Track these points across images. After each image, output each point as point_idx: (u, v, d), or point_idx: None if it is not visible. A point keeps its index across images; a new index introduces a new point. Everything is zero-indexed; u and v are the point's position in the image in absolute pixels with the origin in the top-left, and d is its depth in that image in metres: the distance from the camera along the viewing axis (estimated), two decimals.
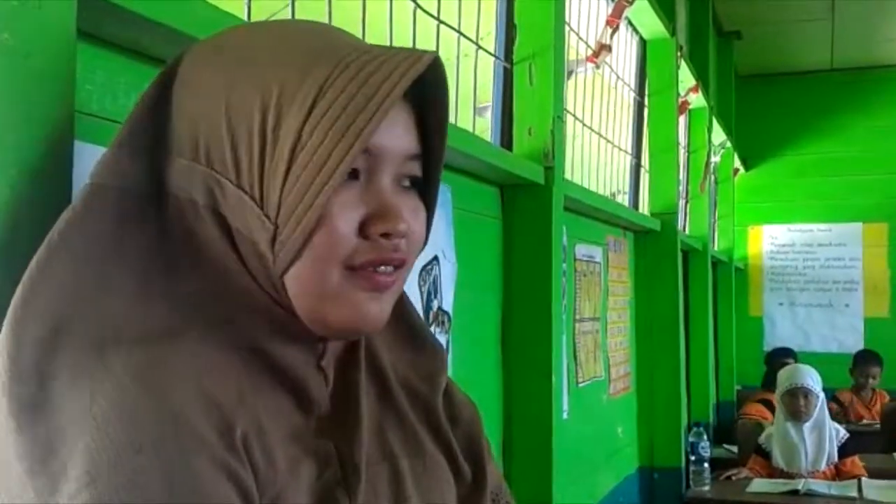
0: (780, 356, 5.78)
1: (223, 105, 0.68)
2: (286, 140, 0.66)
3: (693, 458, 4.02)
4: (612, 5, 3.42)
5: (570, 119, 3.07)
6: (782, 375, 4.10)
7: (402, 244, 0.72)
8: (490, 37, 2.49)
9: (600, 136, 3.67)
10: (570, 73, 3.00)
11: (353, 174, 0.70)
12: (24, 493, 0.60)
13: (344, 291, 0.70)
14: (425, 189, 0.77)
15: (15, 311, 0.65)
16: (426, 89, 0.74)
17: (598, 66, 3.31)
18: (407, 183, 0.75)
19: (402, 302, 0.88)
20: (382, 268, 0.71)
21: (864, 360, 5.86)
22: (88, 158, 0.90)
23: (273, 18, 1.59)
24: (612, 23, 3.34)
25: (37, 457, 0.60)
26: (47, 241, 0.68)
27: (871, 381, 5.78)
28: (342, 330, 0.72)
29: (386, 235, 0.70)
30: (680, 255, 4.29)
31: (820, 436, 3.97)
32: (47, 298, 0.65)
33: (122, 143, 0.71)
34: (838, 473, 3.98)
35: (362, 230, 0.70)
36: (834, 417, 4.92)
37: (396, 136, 0.72)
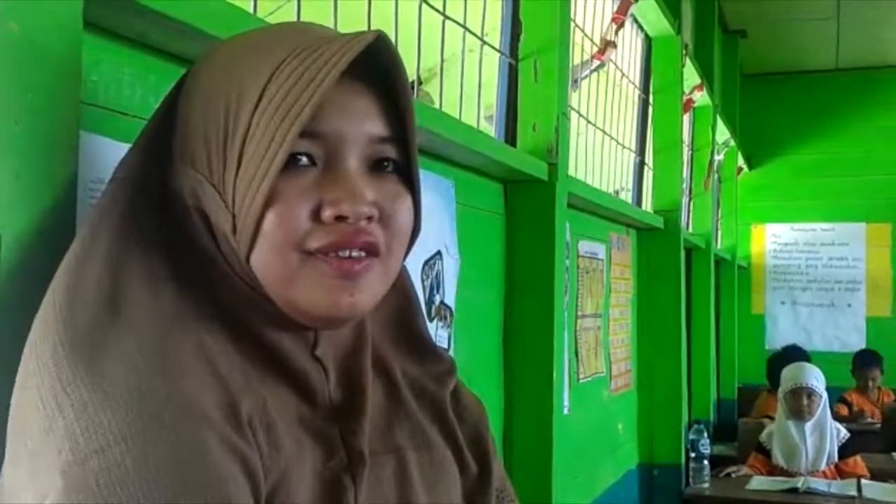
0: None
1: (201, 111, 0.72)
2: (239, 133, 0.69)
3: (693, 455, 4.02)
4: (617, 2, 3.42)
5: (574, 116, 3.07)
6: (786, 374, 4.10)
7: (368, 227, 0.71)
8: (495, 33, 2.49)
9: (604, 133, 3.66)
10: (574, 82, 2.99)
11: (310, 160, 0.71)
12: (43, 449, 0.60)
13: (306, 276, 0.70)
14: (407, 173, 0.77)
15: (56, 298, 0.66)
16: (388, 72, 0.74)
17: (604, 64, 3.31)
18: (389, 169, 0.74)
19: (414, 314, 0.90)
20: (347, 252, 0.70)
21: (863, 362, 5.85)
22: (93, 149, 0.91)
23: (277, 15, 1.60)
24: (618, 19, 3.34)
25: (70, 419, 0.60)
26: (84, 230, 0.71)
27: (870, 382, 5.78)
28: (313, 316, 0.72)
29: (342, 218, 0.70)
30: (683, 252, 4.28)
31: (821, 436, 3.96)
32: (84, 291, 0.66)
33: (140, 146, 0.76)
34: (840, 473, 3.98)
35: (318, 214, 0.70)
36: (844, 419, 4.93)
37: (355, 119, 0.72)
